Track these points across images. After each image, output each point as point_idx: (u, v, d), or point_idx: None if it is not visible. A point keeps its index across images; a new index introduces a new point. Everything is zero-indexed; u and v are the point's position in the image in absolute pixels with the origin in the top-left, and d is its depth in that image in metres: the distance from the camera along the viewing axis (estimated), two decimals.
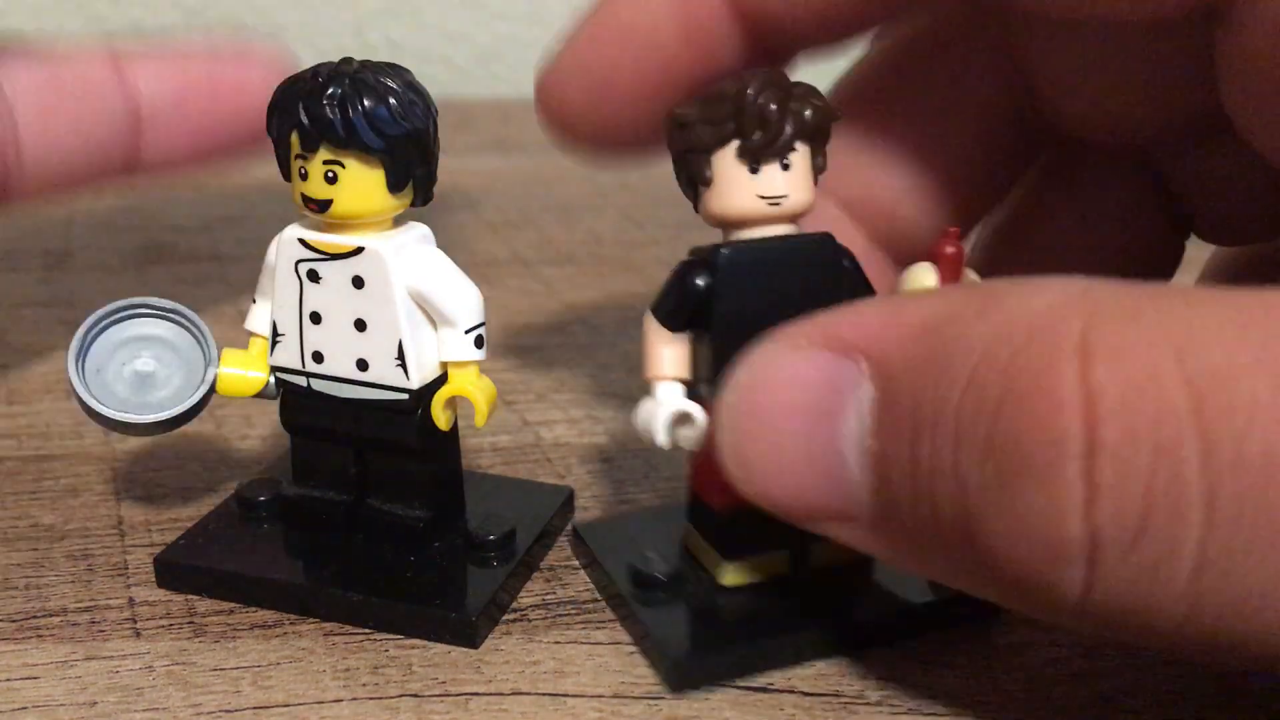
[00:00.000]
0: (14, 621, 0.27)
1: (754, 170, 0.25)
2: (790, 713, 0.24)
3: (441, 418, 0.28)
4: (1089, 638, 0.26)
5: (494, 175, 0.61)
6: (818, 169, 0.26)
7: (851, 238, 0.29)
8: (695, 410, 0.26)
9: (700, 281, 0.26)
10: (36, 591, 0.28)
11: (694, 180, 0.26)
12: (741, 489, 0.23)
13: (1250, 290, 0.19)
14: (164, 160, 0.37)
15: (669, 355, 0.26)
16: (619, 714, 0.24)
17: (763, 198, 0.25)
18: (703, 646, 0.26)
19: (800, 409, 0.22)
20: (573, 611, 0.28)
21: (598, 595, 0.28)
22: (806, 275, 0.26)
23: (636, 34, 0.28)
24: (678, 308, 0.26)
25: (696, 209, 0.26)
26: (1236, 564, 0.18)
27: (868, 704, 0.25)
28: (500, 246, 0.51)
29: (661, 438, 0.25)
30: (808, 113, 0.25)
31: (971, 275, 0.27)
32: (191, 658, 0.26)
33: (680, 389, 0.26)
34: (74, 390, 0.27)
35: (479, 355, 0.28)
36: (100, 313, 0.28)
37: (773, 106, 0.25)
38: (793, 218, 0.26)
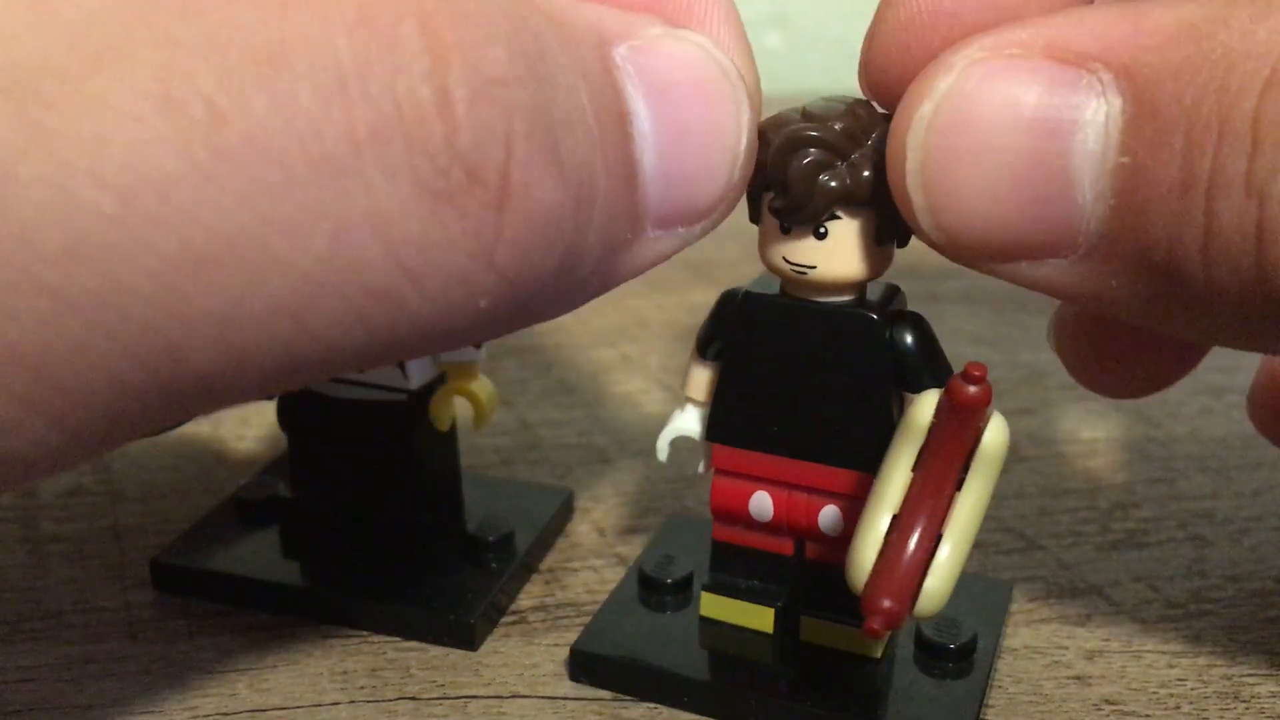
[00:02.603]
0: (10, 624, 0.27)
1: (785, 230, 0.22)
2: None
3: (440, 418, 0.28)
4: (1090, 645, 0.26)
5: None
6: (887, 238, 0.22)
7: None
8: (698, 438, 0.25)
9: (727, 315, 0.24)
10: (33, 594, 0.28)
11: (750, 211, 0.23)
12: (927, 223, 0.20)
13: None
14: None
15: (696, 378, 0.25)
16: (619, 717, 0.24)
17: (789, 262, 0.23)
18: (607, 652, 0.25)
19: (1019, 126, 0.19)
20: (572, 614, 0.27)
21: (597, 598, 0.28)
22: (837, 352, 0.23)
23: None
24: (706, 335, 0.25)
25: None
26: None
27: None
28: None
29: (660, 455, 0.26)
30: (865, 176, 0.21)
31: (996, 423, 0.22)
32: (188, 660, 0.26)
33: (701, 413, 0.25)
34: None
35: (478, 355, 0.28)
36: None
37: (800, 166, 0.21)
38: (834, 288, 0.23)
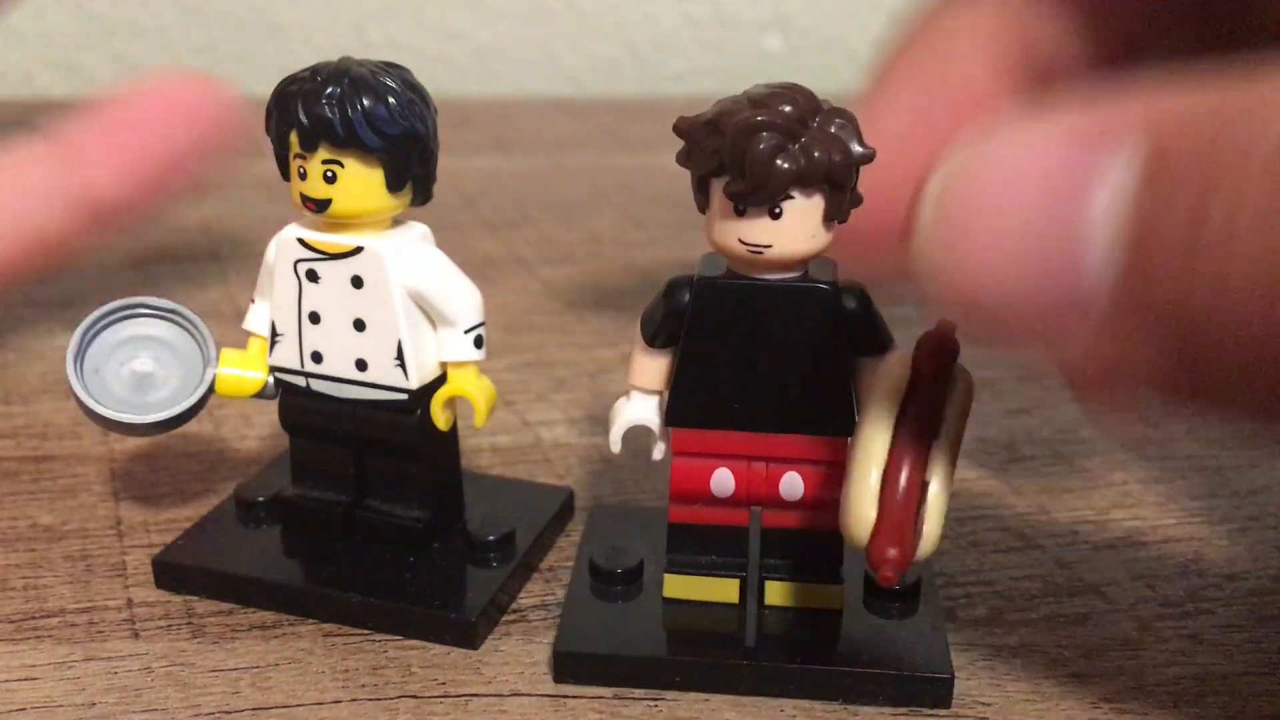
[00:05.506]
0: (12, 622, 0.27)
1: (740, 212, 0.23)
2: (791, 714, 0.24)
3: (441, 418, 0.28)
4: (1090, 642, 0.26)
5: (493, 174, 0.61)
6: (832, 215, 0.23)
7: (980, 66, 0.27)
8: (654, 426, 0.27)
9: (679, 302, 0.25)
10: (35, 592, 0.28)
11: (696, 199, 0.25)
12: (945, 285, 0.19)
13: None
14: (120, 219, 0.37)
15: (644, 366, 0.26)
16: (619, 715, 0.24)
17: (744, 243, 0.24)
18: (591, 647, 0.25)
19: (1038, 181, 0.18)
20: None
21: None
22: (792, 325, 0.24)
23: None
24: (657, 324, 0.26)
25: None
26: None
27: (869, 704, 0.25)
28: (499, 246, 0.51)
29: (614, 446, 0.27)
30: (816, 157, 0.23)
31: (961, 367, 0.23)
32: (190, 659, 0.26)
33: (653, 401, 0.27)
34: (72, 390, 0.27)
35: (478, 355, 0.28)
36: (99, 312, 0.28)
37: (758, 150, 0.22)
38: (785, 266, 0.24)
